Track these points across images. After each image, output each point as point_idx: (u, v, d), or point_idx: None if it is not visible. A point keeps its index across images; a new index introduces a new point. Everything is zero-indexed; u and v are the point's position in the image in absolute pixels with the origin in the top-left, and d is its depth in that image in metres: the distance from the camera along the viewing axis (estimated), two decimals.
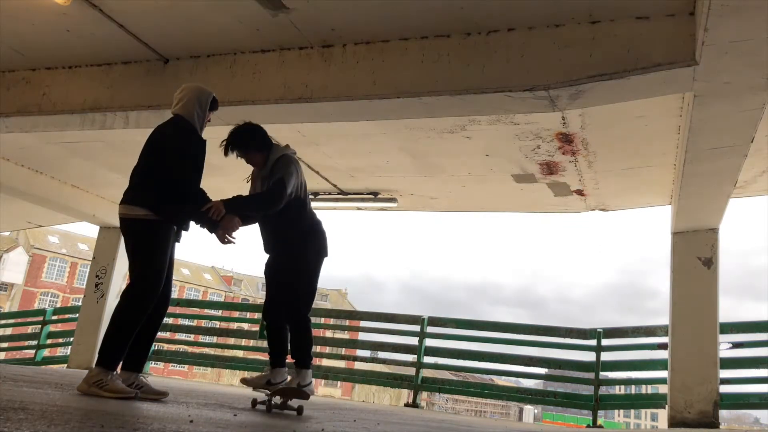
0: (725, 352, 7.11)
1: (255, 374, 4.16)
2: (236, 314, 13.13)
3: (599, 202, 8.21)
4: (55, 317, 11.65)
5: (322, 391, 53.92)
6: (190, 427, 2.31)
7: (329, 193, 8.87)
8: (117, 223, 11.25)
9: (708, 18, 3.44)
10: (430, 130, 6.49)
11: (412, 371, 8.91)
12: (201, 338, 27.16)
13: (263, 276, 4.18)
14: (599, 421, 8.75)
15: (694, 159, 5.34)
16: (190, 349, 22.49)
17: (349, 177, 8.29)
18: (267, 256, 4.19)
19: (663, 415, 7.85)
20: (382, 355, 9.89)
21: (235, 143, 4.05)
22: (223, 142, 4.05)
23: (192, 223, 3.89)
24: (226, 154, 4.06)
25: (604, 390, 8.61)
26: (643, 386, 12.26)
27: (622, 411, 71.81)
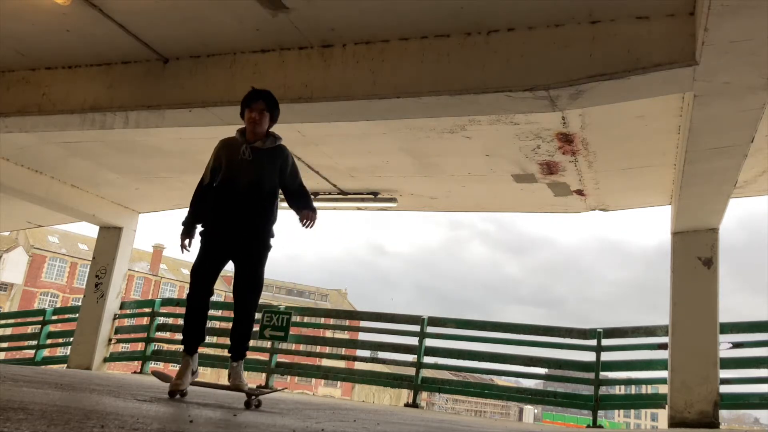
0: (725, 352, 7.11)
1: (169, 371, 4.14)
2: None
3: (599, 202, 8.21)
4: (54, 317, 11.65)
5: (322, 391, 53.85)
6: (190, 427, 2.31)
7: (329, 193, 8.87)
8: (117, 223, 11.16)
9: (708, 18, 3.45)
10: (430, 130, 6.49)
11: (412, 371, 8.91)
12: None
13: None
14: (601, 422, 8.74)
15: (694, 159, 5.34)
16: None
17: (349, 177, 8.29)
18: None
19: (663, 415, 7.84)
20: (382, 355, 9.88)
21: (272, 101, 4.02)
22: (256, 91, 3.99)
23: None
24: (255, 96, 3.97)
25: (604, 390, 8.60)
26: (643, 386, 12.24)
27: (622, 411, 71.79)
